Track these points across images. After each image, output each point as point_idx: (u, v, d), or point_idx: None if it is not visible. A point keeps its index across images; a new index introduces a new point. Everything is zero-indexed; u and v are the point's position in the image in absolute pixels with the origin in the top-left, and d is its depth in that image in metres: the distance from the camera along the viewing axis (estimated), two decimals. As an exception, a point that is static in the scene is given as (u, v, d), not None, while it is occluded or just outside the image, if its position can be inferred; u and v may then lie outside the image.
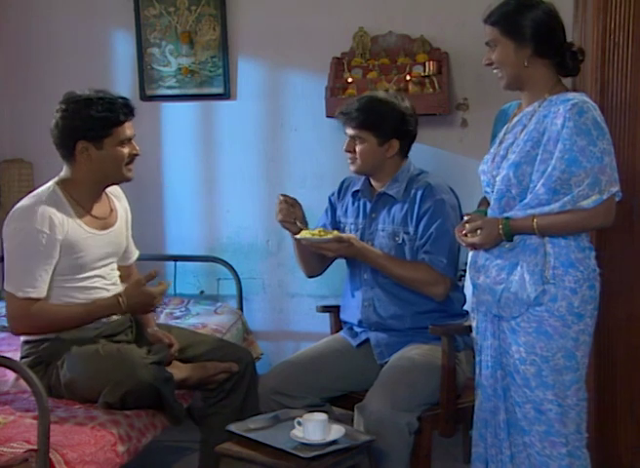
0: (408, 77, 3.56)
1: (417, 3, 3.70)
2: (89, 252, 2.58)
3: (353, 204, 2.87)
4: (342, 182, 2.95)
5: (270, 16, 3.87)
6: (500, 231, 2.19)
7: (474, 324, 2.40)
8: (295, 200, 2.75)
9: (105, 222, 2.67)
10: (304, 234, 2.63)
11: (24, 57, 4.14)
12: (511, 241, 2.20)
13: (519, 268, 2.19)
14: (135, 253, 2.89)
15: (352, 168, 2.78)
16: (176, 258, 3.99)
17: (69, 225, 2.53)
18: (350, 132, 2.73)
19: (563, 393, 2.19)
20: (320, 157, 3.86)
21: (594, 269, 2.22)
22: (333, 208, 2.95)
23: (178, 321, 3.42)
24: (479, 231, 2.23)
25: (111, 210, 2.72)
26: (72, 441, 2.13)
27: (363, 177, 2.86)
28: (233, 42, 3.91)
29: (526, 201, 2.17)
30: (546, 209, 2.13)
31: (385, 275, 2.71)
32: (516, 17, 2.17)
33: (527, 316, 2.19)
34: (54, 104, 4.25)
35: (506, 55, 2.19)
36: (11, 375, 2.60)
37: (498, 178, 2.24)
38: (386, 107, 2.73)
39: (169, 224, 4.08)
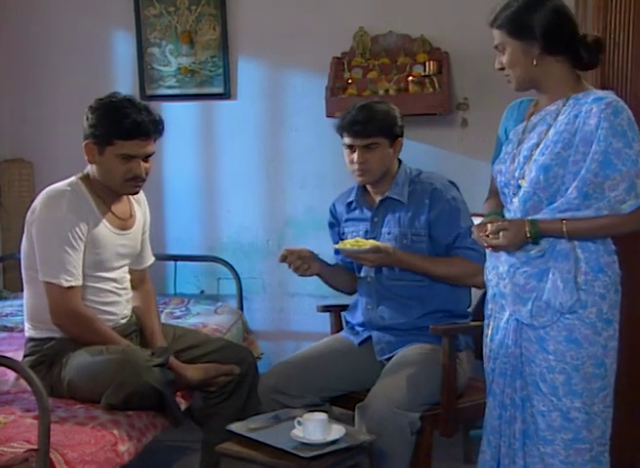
0: (408, 77, 3.56)
1: (417, 3, 3.70)
2: (107, 249, 2.59)
3: (349, 213, 2.87)
4: (332, 208, 2.95)
5: (270, 15, 3.87)
6: (528, 233, 2.10)
7: (489, 331, 2.32)
8: (300, 250, 2.73)
9: (125, 223, 2.67)
10: (345, 244, 2.64)
11: (25, 57, 4.14)
12: (537, 244, 2.13)
13: (550, 275, 2.11)
14: (150, 259, 2.88)
15: (362, 179, 2.74)
16: (176, 258, 3.99)
17: (92, 218, 2.55)
18: (362, 142, 2.67)
19: (591, 400, 2.13)
20: (320, 157, 3.86)
21: (619, 273, 2.16)
22: (334, 227, 2.95)
23: (178, 320, 3.42)
24: (503, 233, 2.14)
25: (131, 213, 2.72)
26: (73, 440, 2.13)
27: (353, 190, 2.86)
28: (233, 42, 3.91)
29: (555, 204, 2.09)
30: (579, 214, 2.06)
31: (395, 286, 2.73)
32: (520, 17, 2.11)
33: (557, 324, 2.12)
34: (54, 104, 4.27)
35: (516, 56, 2.13)
36: (11, 375, 2.60)
37: (524, 181, 2.16)
38: (386, 108, 2.73)
39: (169, 224, 4.08)
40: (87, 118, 2.54)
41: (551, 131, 2.13)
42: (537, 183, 2.12)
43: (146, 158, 2.57)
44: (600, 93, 2.11)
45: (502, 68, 2.19)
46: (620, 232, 2.11)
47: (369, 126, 2.67)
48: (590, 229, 2.08)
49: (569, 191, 2.07)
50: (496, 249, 2.20)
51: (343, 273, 2.92)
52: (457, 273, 2.68)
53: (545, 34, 2.10)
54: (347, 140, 2.72)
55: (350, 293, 2.98)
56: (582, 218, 2.06)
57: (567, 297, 2.10)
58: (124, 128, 2.48)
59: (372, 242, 2.62)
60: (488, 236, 2.17)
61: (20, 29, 4.13)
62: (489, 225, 2.18)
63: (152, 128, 2.54)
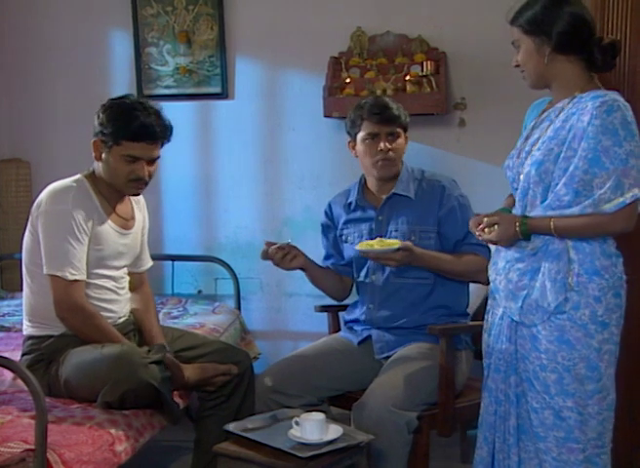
0: (406, 77, 3.56)
1: (414, 3, 3.70)
2: (108, 246, 2.60)
3: (348, 214, 2.87)
4: (327, 210, 2.95)
5: (268, 15, 3.87)
6: (517, 229, 2.12)
7: (486, 326, 2.34)
8: (283, 245, 2.71)
9: (126, 223, 2.69)
10: (371, 244, 2.58)
11: (22, 56, 4.14)
12: (529, 240, 2.14)
13: (540, 275, 2.13)
14: (148, 262, 2.89)
15: (388, 170, 2.74)
16: (173, 258, 3.99)
17: (96, 214, 2.56)
18: (387, 129, 2.71)
19: (584, 402, 2.12)
20: (318, 157, 3.86)
21: (620, 276, 2.13)
22: (329, 230, 2.95)
23: (175, 320, 3.42)
24: (495, 227, 2.17)
25: (132, 214, 2.73)
26: (70, 440, 2.12)
27: (352, 190, 2.87)
28: (231, 41, 3.91)
29: (547, 202, 2.10)
30: (567, 212, 2.06)
31: (395, 282, 2.74)
32: (538, 16, 2.13)
33: (549, 324, 2.12)
34: (51, 104, 4.26)
35: (529, 53, 2.16)
36: (8, 375, 2.60)
37: (521, 176, 2.19)
38: (396, 103, 2.79)
39: (167, 224, 4.08)
40: (98, 116, 2.56)
41: (550, 127, 2.15)
42: (530, 178, 2.14)
43: (151, 161, 2.59)
44: (601, 92, 2.11)
45: (518, 65, 2.21)
46: (609, 231, 2.09)
47: (392, 113, 2.72)
48: (577, 227, 2.07)
49: (557, 187, 2.08)
50: (489, 243, 2.24)
51: (334, 278, 2.91)
52: (468, 269, 2.69)
53: (560, 35, 2.12)
54: (372, 128, 2.71)
55: (339, 300, 2.98)
56: (570, 216, 2.06)
57: (553, 298, 2.10)
58: (131, 130, 2.51)
59: (398, 241, 2.58)
60: (483, 230, 2.20)
61: (18, 29, 4.13)
62: (485, 219, 2.20)
63: (159, 132, 2.56)
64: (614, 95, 2.10)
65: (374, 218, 2.80)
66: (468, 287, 2.82)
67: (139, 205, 2.80)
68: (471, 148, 3.66)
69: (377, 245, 2.57)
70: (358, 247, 2.61)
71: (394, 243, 2.55)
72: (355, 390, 2.69)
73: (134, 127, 2.50)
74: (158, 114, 2.56)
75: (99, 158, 2.57)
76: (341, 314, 3.00)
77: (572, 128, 2.08)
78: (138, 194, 2.69)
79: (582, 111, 2.07)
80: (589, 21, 2.17)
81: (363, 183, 2.87)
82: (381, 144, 2.70)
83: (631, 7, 2.70)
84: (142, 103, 2.57)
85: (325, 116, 3.64)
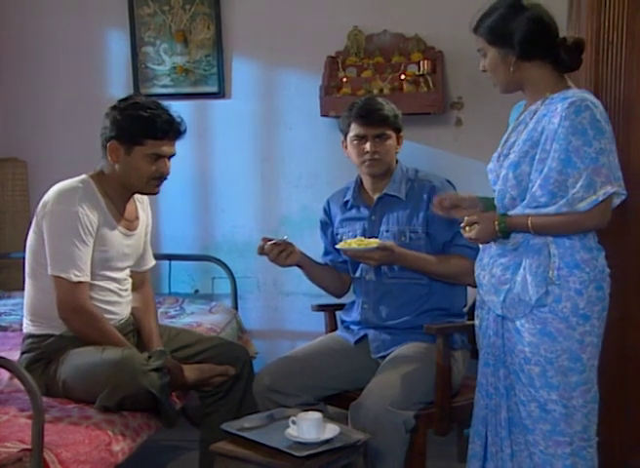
0: (402, 76, 3.56)
1: (411, 2, 3.71)
2: (113, 248, 2.60)
3: (344, 213, 2.87)
4: (325, 206, 2.96)
5: (265, 14, 3.87)
6: (496, 227, 2.16)
7: (477, 321, 2.37)
8: (279, 241, 2.70)
9: (131, 224, 2.69)
10: (349, 243, 2.60)
11: (19, 55, 4.13)
12: (508, 238, 2.18)
13: (521, 269, 2.16)
14: (151, 261, 2.89)
15: (374, 169, 2.74)
16: (170, 257, 3.99)
17: (101, 216, 2.56)
18: (374, 131, 2.70)
19: (568, 394, 2.15)
20: (315, 156, 3.86)
21: (602, 270, 2.16)
22: (327, 226, 2.95)
23: (172, 320, 3.42)
24: (475, 225, 2.21)
25: (136, 215, 2.74)
26: (67, 440, 2.12)
27: (349, 189, 2.88)
28: (228, 41, 3.91)
29: (525, 202, 2.14)
30: (543, 211, 2.10)
31: (389, 279, 2.74)
32: (498, 25, 2.17)
33: (531, 317, 2.16)
34: (47, 103, 4.26)
35: (494, 62, 2.20)
36: (5, 374, 2.59)
37: (500, 178, 2.22)
38: (387, 102, 2.79)
39: (164, 223, 4.07)
40: (114, 119, 2.54)
41: (525, 130, 2.19)
42: (507, 181, 2.19)
43: (170, 158, 2.62)
44: (571, 92, 2.15)
45: (486, 70, 2.26)
46: (584, 228, 2.13)
47: (380, 115, 2.71)
48: (553, 225, 2.11)
49: (534, 189, 2.12)
50: (469, 240, 2.28)
51: (333, 274, 2.92)
52: (454, 271, 2.69)
53: (522, 43, 2.15)
54: (358, 130, 2.72)
55: (339, 296, 2.98)
56: (546, 215, 2.10)
57: (534, 291, 2.13)
58: (158, 128, 2.52)
59: (377, 240, 2.60)
60: (464, 228, 2.24)
61: (15, 28, 4.12)
62: (465, 217, 2.24)
63: (182, 128, 2.60)
64: (582, 94, 2.14)
65: (367, 218, 2.81)
66: (466, 287, 2.82)
67: (142, 204, 2.80)
68: (468, 148, 3.66)
69: (355, 243, 2.59)
70: (338, 246, 2.65)
71: (372, 242, 2.58)
72: (352, 389, 2.69)
73: (160, 125, 2.52)
74: (170, 111, 2.58)
75: (116, 160, 2.56)
76: (338, 313, 3.00)
77: (544, 130, 2.12)
78: (157, 192, 2.69)
79: (553, 113, 2.11)
80: (550, 24, 2.19)
81: (359, 183, 2.88)
82: (367, 146, 2.71)
83: (627, 7, 2.71)
84: (155, 102, 2.58)
85: (322, 115, 3.64)
